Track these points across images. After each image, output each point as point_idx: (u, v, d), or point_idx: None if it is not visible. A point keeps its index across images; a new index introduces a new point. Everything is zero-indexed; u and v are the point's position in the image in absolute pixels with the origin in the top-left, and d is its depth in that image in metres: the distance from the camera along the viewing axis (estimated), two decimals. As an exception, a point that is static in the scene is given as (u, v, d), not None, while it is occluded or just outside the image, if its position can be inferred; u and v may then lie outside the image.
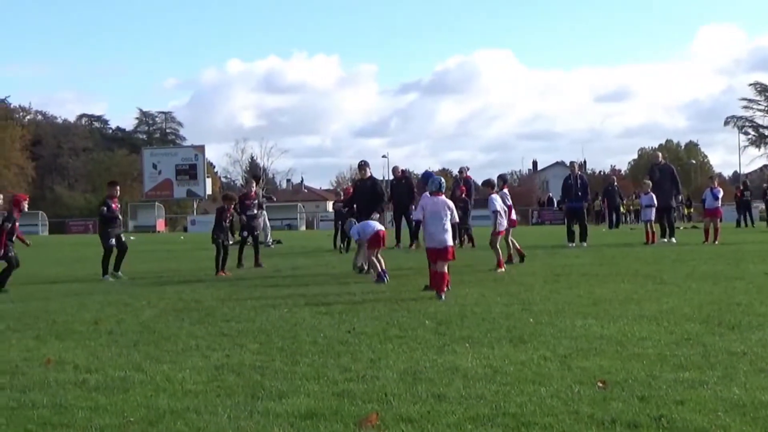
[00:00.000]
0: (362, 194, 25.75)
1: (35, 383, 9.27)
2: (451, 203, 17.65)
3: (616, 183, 61.94)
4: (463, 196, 34.86)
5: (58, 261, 29.36)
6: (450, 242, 17.22)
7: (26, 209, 22.69)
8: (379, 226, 21.00)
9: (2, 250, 21.18)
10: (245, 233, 27.20)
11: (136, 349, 11.41)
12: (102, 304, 16.93)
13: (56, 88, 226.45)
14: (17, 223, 21.86)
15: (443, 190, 17.98)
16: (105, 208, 24.58)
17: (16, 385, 9.18)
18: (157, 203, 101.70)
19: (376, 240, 20.46)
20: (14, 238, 21.70)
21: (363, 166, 26.63)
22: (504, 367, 9.47)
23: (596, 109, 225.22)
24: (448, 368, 9.49)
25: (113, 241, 24.37)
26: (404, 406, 7.79)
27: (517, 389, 8.37)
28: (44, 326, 13.85)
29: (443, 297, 16.28)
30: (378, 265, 20.15)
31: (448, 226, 17.20)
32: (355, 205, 26.47)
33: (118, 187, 25.59)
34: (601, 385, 8.41)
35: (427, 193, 17.63)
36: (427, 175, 19.15)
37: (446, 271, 17.05)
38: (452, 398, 8.06)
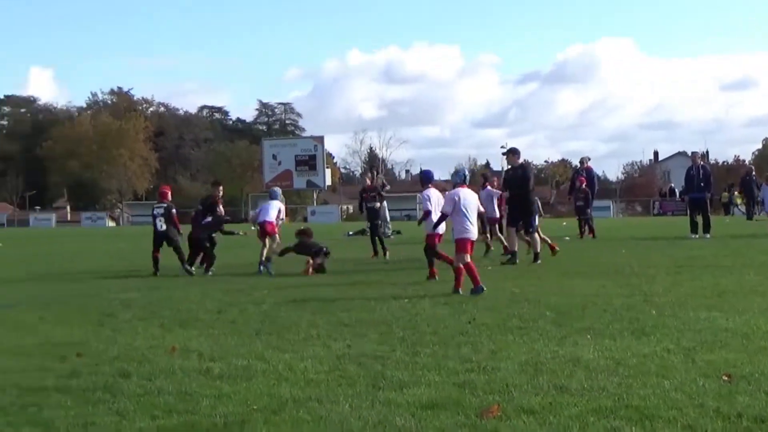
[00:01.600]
0: (513, 182, 24.75)
1: (161, 371, 9.43)
2: (476, 195, 17.68)
3: (754, 173, 60.42)
4: (584, 186, 34.62)
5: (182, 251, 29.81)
6: (475, 235, 16.96)
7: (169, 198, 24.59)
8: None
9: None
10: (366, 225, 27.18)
11: (258, 338, 11.54)
12: (224, 293, 17.15)
13: (179, 80, 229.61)
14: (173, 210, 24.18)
15: (467, 182, 17.70)
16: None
17: (143, 373, 9.34)
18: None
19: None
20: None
21: (514, 152, 25.33)
22: (626, 359, 9.38)
23: (720, 98, 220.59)
24: (569, 360, 9.44)
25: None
26: (525, 398, 7.76)
27: (640, 382, 8.28)
28: (169, 315, 14.08)
29: (461, 291, 16.24)
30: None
31: (475, 218, 17.08)
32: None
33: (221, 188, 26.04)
34: (726, 378, 8.29)
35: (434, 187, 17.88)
36: (427, 175, 19.18)
37: (461, 265, 16.61)
38: (574, 390, 8.01)
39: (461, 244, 16.64)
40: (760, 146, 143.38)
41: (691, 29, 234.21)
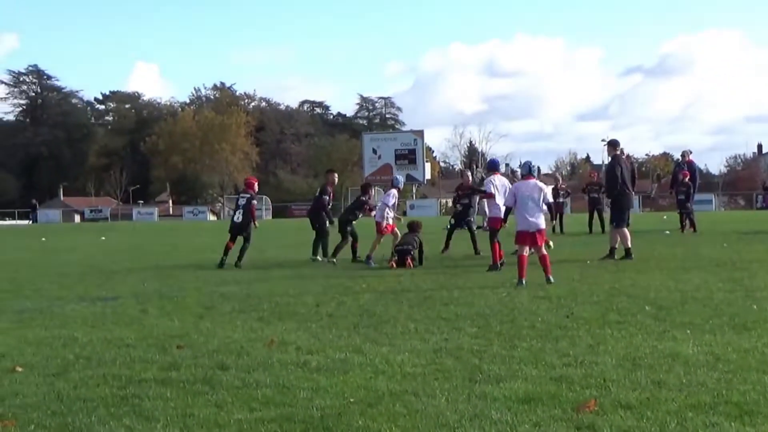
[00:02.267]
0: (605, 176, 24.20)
1: (259, 363, 9.51)
2: (543, 186, 17.75)
3: None
4: (686, 180, 34.22)
5: (281, 244, 29.99)
6: (543, 225, 17.24)
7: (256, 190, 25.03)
8: None
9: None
10: (455, 222, 27.03)
11: (355, 331, 11.59)
12: (323, 287, 17.25)
13: (281, 75, 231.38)
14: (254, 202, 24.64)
15: (534, 174, 18.01)
16: (326, 197, 25.46)
17: (241, 365, 9.43)
18: (376, 187, 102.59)
19: None
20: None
21: (610, 144, 24.08)
22: (726, 355, 9.27)
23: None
24: (668, 355, 9.35)
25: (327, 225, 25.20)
26: (623, 393, 7.71)
27: (741, 377, 8.19)
28: (268, 308, 14.19)
29: (552, 279, 16.61)
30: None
31: (540, 209, 17.19)
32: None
33: (336, 175, 26.39)
34: (829, 374, 8.16)
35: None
36: (493, 162, 19.01)
37: (546, 253, 17.15)
38: (672, 385, 7.94)
39: (516, 236, 17.33)
40: None
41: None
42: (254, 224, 24.37)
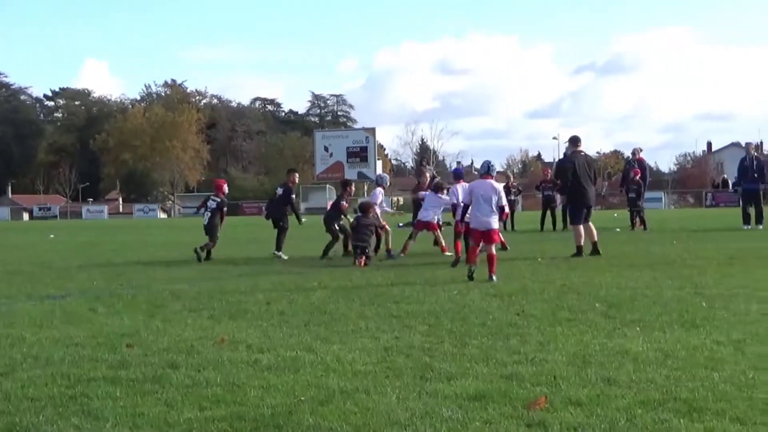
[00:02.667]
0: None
1: (209, 362, 9.47)
2: (498, 186, 17.99)
3: None
4: (637, 178, 34.45)
5: (231, 242, 29.93)
6: (495, 225, 17.46)
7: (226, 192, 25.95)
8: None
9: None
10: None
11: (306, 329, 11.57)
12: (274, 284, 17.22)
13: (233, 73, 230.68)
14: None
15: (493, 173, 18.24)
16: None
17: (192, 364, 9.39)
18: (328, 185, 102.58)
19: None
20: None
21: (571, 141, 24.17)
22: (675, 352, 9.34)
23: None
24: (617, 352, 9.41)
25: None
26: (573, 390, 7.74)
27: (689, 374, 8.24)
28: (218, 306, 14.14)
29: (495, 278, 16.68)
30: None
31: (494, 209, 17.43)
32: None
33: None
34: (777, 371, 8.24)
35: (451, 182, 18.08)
36: (457, 172, 19.21)
37: (494, 252, 17.34)
38: (622, 382, 7.98)
39: (469, 232, 17.90)
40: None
41: (752, 17, 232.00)
42: (221, 226, 25.26)
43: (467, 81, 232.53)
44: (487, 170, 18.08)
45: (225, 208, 25.42)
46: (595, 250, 21.89)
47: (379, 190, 24.54)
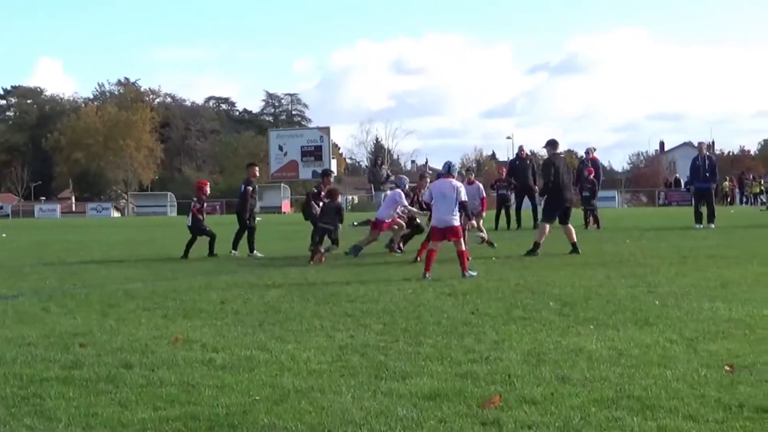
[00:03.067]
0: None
1: (163, 361, 9.44)
2: (458, 184, 18.29)
3: None
4: (591, 177, 34.62)
5: (185, 241, 29.75)
6: (456, 222, 17.73)
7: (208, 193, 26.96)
8: None
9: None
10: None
11: (261, 328, 11.55)
12: (228, 284, 17.16)
13: (187, 72, 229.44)
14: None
15: (453, 173, 18.67)
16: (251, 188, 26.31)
17: (146, 363, 9.35)
18: (282, 184, 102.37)
19: None
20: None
21: (549, 143, 24.09)
22: (629, 350, 9.41)
23: (730, 89, 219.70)
24: (572, 350, 9.46)
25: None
26: (527, 388, 7.77)
27: (642, 372, 8.30)
28: (172, 305, 14.08)
29: (467, 275, 17.03)
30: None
31: (453, 207, 17.70)
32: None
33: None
34: (728, 368, 8.31)
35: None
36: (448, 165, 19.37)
37: (463, 248, 17.67)
38: (576, 380, 8.02)
39: (430, 231, 18.33)
40: (766, 136, 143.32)
41: (706, 19, 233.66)
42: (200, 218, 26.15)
43: (423, 80, 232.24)
44: (447, 170, 18.34)
45: (200, 205, 26.43)
46: (574, 250, 22.08)
47: (400, 192, 24.43)
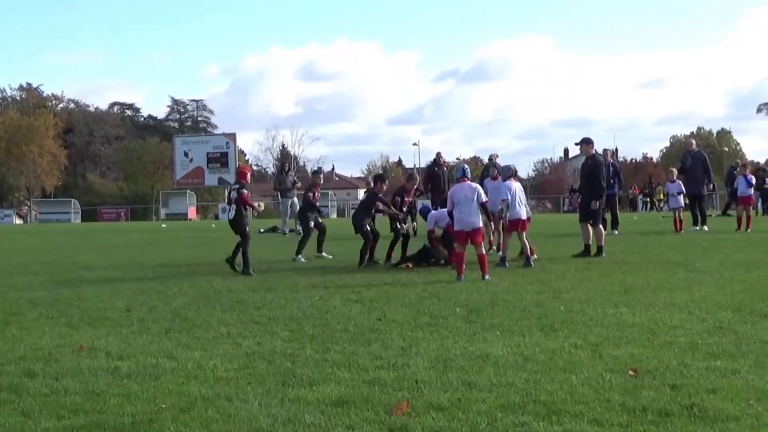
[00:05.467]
0: (582, 174, 24.35)
1: (68, 370, 9.33)
2: (477, 185, 18.66)
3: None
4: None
5: (90, 248, 29.52)
6: (480, 224, 18.02)
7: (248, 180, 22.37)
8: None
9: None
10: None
11: (167, 336, 11.47)
12: (134, 291, 17.01)
13: (93, 77, 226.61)
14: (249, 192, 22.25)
15: (468, 176, 18.69)
16: (310, 194, 25.81)
17: (50, 372, 9.23)
18: (188, 191, 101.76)
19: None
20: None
21: (587, 142, 23.94)
22: (535, 355, 9.49)
23: (633, 97, 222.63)
24: (478, 356, 9.51)
25: (312, 224, 25.55)
26: (435, 394, 7.80)
27: (548, 377, 8.38)
28: (77, 313, 13.92)
29: (487, 277, 17.26)
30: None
31: (477, 208, 17.92)
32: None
33: (322, 176, 27.45)
34: (632, 373, 8.42)
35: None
36: (463, 169, 19.46)
37: (484, 252, 17.90)
38: (483, 386, 8.07)
39: (455, 235, 18.35)
40: (668, 144, 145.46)
41: (607, 27, 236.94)
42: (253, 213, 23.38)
43: (332, 87, 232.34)
44: (462, 174, 18.61)
45: (244, 191, 21.16)
46: (599, 251, 22.64)
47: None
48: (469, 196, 17.95)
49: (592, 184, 23.12)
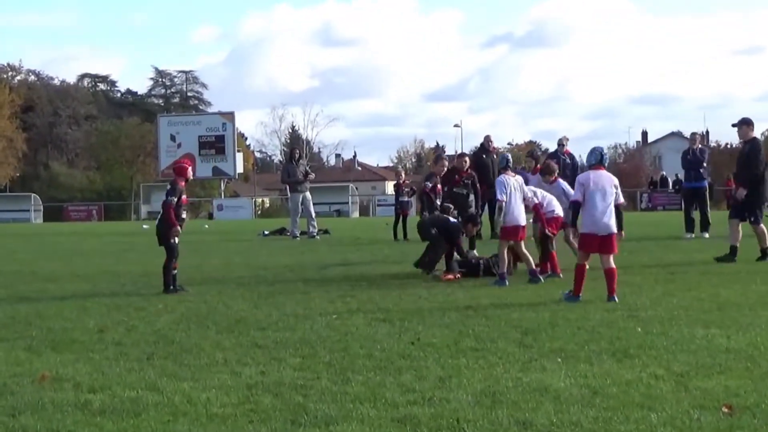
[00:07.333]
0: (738, 162, 24.76)
1: (27, 404, 9.36)
2: (616, 180, 17.19)
3: None
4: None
5: (54, 254, 29.58)
6: (615, 228, 16.71)
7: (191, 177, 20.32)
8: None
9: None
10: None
11: (149, 363, 11.51)
12: (109, 308, 17.05)
13: (56, 42, 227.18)
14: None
15: (605, 163, 17.32)
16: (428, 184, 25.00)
17: (4, 407, 9.28)
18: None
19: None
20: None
21: (747, 123, 24.05)
22: (605, 388, 9.47)
23: (728, 67, 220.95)
24: (535, 389, 9.50)
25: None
26: (481, 436, 7.80)
27: (622, 415, 8.36)
28: (38, 335, 13.97)
29: (616, 298, 16.36)
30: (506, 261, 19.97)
31: (612, 208, 16.65)
32: None
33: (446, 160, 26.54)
34: (726, 410, 8.39)
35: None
36: (504, 158, 19.42)
37: (614, 266, 16.73)
38: (541, 426, 8.07)
39: (581, 241, 17.31)
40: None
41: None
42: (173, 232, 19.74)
43: (353, 54, 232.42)
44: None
45: (177, 198, 19.21)
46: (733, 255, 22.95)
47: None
48: (608, 191, 16.66)
49: (750, 172, 23.11)
